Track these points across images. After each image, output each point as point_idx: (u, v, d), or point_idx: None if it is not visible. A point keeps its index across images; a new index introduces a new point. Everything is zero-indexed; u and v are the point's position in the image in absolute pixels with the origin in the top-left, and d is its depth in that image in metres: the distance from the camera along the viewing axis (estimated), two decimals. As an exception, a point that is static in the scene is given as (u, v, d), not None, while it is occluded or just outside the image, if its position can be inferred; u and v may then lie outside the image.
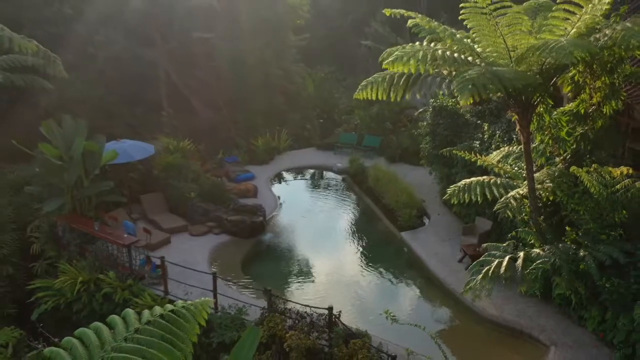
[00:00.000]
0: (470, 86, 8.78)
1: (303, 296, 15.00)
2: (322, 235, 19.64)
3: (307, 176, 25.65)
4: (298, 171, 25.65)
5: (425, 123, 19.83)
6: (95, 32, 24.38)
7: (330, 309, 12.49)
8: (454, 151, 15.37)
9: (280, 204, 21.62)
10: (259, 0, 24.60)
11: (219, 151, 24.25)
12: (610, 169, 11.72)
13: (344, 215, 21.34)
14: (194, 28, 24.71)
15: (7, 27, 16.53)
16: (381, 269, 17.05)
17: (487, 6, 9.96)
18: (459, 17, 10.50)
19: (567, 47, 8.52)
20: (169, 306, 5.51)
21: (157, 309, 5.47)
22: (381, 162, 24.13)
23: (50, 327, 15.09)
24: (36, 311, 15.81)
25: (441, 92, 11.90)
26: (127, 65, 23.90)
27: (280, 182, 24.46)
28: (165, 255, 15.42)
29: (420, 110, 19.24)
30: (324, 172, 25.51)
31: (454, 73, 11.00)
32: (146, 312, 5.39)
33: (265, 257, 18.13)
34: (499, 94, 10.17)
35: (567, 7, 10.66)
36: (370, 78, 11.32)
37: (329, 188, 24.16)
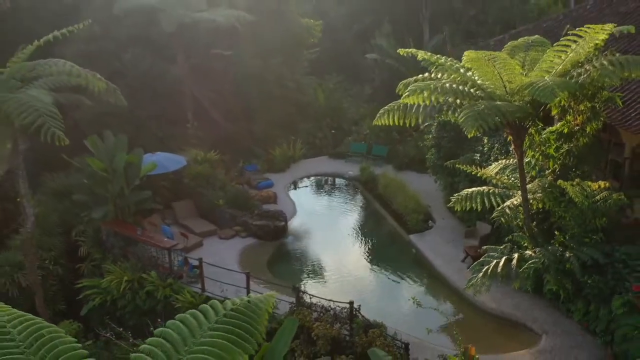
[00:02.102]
0: (474, 121, 10.75)
1: (324, 291, 16.73)
2: (337, 237, 21.50)
3: (322, 183, 27.38)
4: (313, 178, 27.38)
5: (430, 136, 21.73)
6: (124, 50, 26.30)
7: (351, 303, 14.35)
8: (457, 164, 17.30)
9: (297, 209, 23.53)
10: (277, 22, 26.42)
11: (239, 160, 26.16)
12: (589, 183, 13.68)
13: (356, 219, 23.30)
14: (214, 46, 26.64)
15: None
16: (392, 268, 18.94)
17: (484, 57, 11.88)
18: (463, 61, 12.41)
19: (551, 87, 10.46)
20: (245, 298, 7.40)
21: (237, 300, 7.36)
22: (389, 169, 25.87)
23: (97, 321, 17.06)
24: (85, 307, 17.58)
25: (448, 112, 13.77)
26: (153, 81, 25.75)
27: (296, 189, 26.30)
28: (199, 257, 17.24)
29: (426, 124, 21.13)
30: (337, 179, 27.24)
31: (458, 101, 12.97)
32: (229, 303, 7.30)
33: (288, 258, 20.12)
34: (497, 118, 12.05)
35: (556, 53, 12.56)
36: (386, 106, 13.31)
37: (342, 194, 26.00)
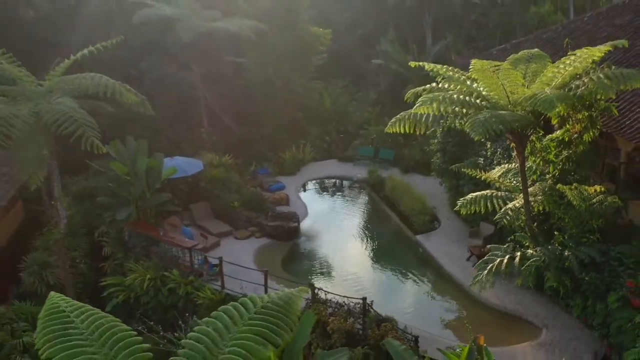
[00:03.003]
0: (480, 128, 11.78)
1: (337, 288, 17.49)
2: (347, 237, 22.45)
3: (331, 185, 28.26)
4: (322, 181, 28.30)
5: (436, 141, 22.72)
6: (140, 58, 27.28)
7: (364, 299, 15.32)
8: (462, 169, 18.30)
9: (309, 210, 24.46)
10: (287, 30, 27.37)
11: (251, 164, 27.08)
12: (587, 187, 14.66)
13: (364, 220, 24.26)
14: (228, 53, 27.63)
15: (56, 50, 18.86)
16: (400, 266, 19.92)
17: (490, 67, 12.90)
18: (469, 73, 13.42)
19: (551, 99, 11.47)
20: (280, 292, 8.34)
21: (272, 294, 8.30)
22: (395, 172, 26.81)
23: (121, 317, 17.96)
24: (110, 304, 18.50)
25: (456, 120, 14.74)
26: (168, 88, 26.74)
27: (307, 191, 27.21)
28: (218, 256, 18.13)
29: (432, 129, 22.01)
30: (346, 182, 28.16)
31: (464, 110, 13.98)
32: (265, 296, 8.24)
33: (301, 257, 21.13)
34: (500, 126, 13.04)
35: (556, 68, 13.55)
36: (398, 116, 14.34)
37: (351, 196, 26.94)
